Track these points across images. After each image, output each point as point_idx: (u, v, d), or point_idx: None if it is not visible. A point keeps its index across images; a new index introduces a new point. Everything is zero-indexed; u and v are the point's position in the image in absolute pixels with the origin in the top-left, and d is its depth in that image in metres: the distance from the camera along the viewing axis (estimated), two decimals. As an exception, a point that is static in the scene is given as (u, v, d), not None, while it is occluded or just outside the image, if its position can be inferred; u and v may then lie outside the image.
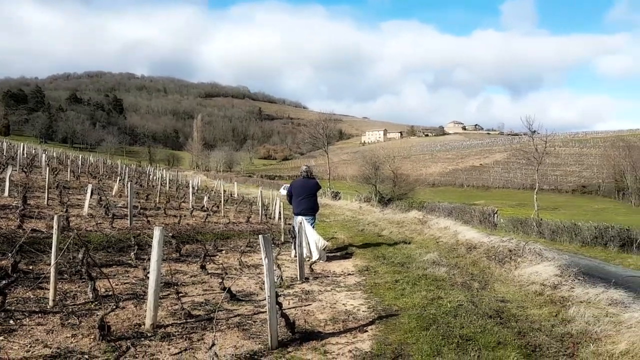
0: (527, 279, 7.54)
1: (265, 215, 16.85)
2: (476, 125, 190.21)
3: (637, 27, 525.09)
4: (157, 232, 4.41)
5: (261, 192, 18.66)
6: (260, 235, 4.37)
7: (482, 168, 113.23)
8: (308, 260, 8.60)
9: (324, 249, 9.26)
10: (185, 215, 12.70)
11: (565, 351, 4.64)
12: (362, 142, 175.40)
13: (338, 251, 10.76)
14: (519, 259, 8.62)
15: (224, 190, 18.17)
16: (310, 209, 9.57)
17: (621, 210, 68.62)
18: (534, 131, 39.43)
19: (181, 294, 5.44)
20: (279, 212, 14.34)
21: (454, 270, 8.29)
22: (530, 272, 7.77)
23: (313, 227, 9.49)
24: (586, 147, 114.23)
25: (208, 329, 4.60)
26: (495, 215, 28.10)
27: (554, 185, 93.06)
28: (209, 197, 19.63)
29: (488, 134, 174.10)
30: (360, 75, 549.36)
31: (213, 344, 3.74)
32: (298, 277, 7.41)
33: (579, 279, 7.80)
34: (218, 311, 5.20)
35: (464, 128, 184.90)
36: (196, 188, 27.24)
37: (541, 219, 26.62)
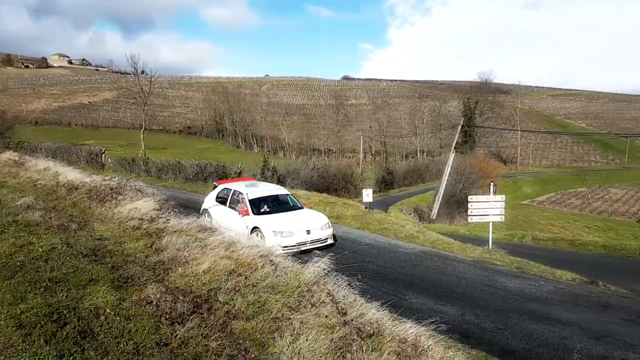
0: (127, 215, 7.85)
1: None
2: (84, 60, 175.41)
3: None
4: None
5: None
6: None
7: (91, 106, 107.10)
8: None
9: None
10: None
11: (156, 277, 5.15)
12: None
13: None
14: (120, 196, 8.83)
15: None
16: None
17: (221, 149, 79.03)
18: (142, 71, 39.88)
19: None
20: None
21: (51, 214, 7.81)
22: (130, 209, 8.10)
23: None
24: (191, 91, 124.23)
25: None
26: (103, 155, 27.49)
27: (162, 125, 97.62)
28: None
29: (97, 70, 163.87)
30: None
31: None
32: None
33: (175, 211, 8.68)
34: None
35: (70, 62, 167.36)
36: None
37: (148, 158, 27.72)
